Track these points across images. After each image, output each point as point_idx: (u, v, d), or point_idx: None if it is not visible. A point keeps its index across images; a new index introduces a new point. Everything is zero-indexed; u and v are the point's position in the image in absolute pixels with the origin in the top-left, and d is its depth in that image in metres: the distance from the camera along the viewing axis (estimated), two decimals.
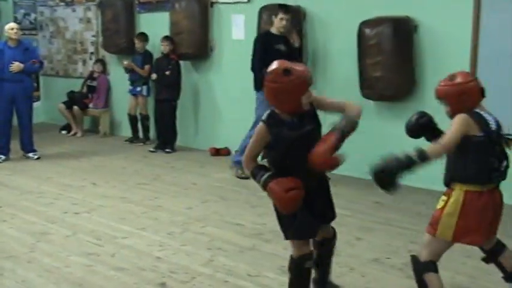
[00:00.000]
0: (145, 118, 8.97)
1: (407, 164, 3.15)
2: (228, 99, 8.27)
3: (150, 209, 5.64)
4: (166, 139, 8.47)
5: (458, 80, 3.30)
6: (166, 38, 8.29)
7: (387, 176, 3.19)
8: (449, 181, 3.31)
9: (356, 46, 6.44)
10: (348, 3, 6.84)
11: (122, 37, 9.16)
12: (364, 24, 6.39)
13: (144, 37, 8.75)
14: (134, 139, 9.09)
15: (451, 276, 4.06)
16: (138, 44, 8.73)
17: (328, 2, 7.04)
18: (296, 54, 6.42)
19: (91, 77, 9.80)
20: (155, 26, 8.85)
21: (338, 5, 6.94)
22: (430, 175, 5.67)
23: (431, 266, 3.44)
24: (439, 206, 3.34)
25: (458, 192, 3.24)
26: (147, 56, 8.71)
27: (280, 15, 6.43)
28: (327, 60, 7.09)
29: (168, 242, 4.70)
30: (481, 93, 3.30)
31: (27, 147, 7.90)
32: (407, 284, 3.92)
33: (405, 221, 5.27)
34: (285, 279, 3.97)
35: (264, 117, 3.22)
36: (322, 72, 7.13)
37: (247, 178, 6.06)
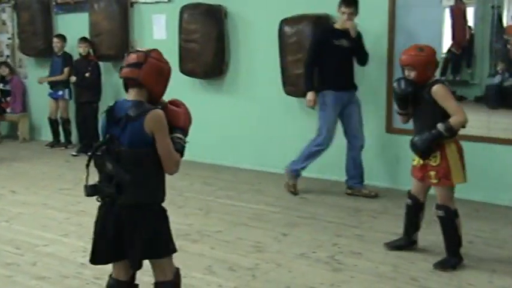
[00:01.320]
0: (66, 122, 8.74)
1: (438, 136, 3.91)
2: None
3: (73, 215, 5.49)
4: (88, 142, 8.26)
5: (427, 51, 4.01)
6: (83, 39, 8.12)
7: (422, 147, 3.97)
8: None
9: (277, 44, 6.51)
10: (268, 2, 6.89)
11: (39, 39, 8.88)
12: (285, 22, 6.46)
13: (62, 38, 8.51)
14: (55, 143, 8.83)
15: (374, 266, 4.16)
16: (56, 45, 8.48)
17: (249, 0, 7.07)
18: (357, 46, 5.82)
19: (2, 80, 9.46)
20: (74, 27, 8.62)
21: (259, 4, 6.98)
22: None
23: (457, 212, 4.09)
24: (434, 163, 4.00)
25: (450, 143, 3.97)
26: (66, 58, 8.48)
27: (342, 9, 5.75)
28: (249, 59, 7.12)
29: None
30: (437, 65, 4.10)
31: None
32: (334, 277, 4.00)
33: (330, 214, 5.36)
34: (213, 278, 3.98)
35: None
36: (245, 71, 7.16)
37: (295, 194, 5.98)
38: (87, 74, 8.02)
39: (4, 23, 9.77)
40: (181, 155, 2.84)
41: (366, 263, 4.22)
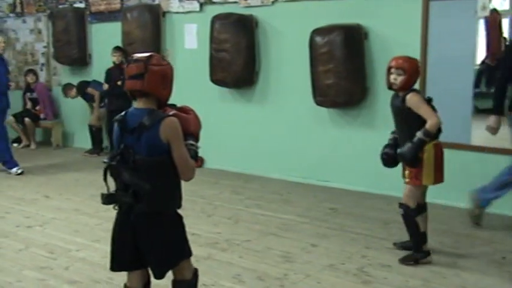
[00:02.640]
0: (98, 129, 8.93)
1: (420, 143, 4.16)
2: None
3: (104, 221, 5.54)
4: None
5: (417, 61, 4.41)
6: (117, 48, 8.23)
7: (409, 156, 4.21)
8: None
9: (308, 54, 6.52)
10: (299, 12, 6.91)
11: (73, 48, 9.05)
12: (316, 32, 6.47)
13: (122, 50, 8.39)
14: (94, 150, 8.99)
15: (405, 280, 4.12)
16: (116, 57, 8.31)
17: (280, 10, 7.10)
18: None
19: (29, 89, 9.67)
20: (107, 36, 8.77)
21: (290, 13, 7.01)
22: (383, 182, 5.80)
23: (419, 209, 4.37)
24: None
25: (429, 147, 4.21)
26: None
27: None
28: (280, 69, 7.14)
29: None
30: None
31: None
32: None
33: (359, 226, 5.33)
34: (241, 287, 3.99)
35: None
36: (275, 81, 7.18)
37: (478, 224, 5.29)
38: (119, 82, 8.12)
39: (40, 32, 9.97)
40: (195, 160, 2.87)
41: (396, 276, 4.18)
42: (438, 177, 4.36)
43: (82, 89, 8.92)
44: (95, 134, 9.01)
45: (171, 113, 2.85)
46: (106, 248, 4.75)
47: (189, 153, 2.82)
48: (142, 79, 2.74)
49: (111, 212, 5.73)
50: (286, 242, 4.89)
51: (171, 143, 2.72)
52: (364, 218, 5.58)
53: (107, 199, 2.83)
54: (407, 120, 4.28)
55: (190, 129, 2.89)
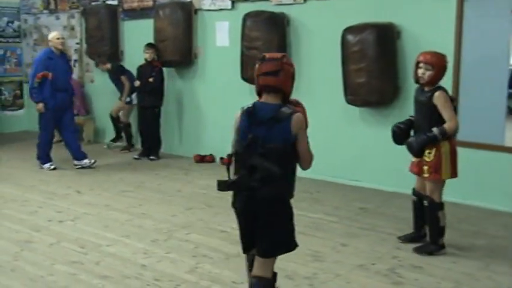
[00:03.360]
0: (127, 125, 9.03)
1: (433, 139, 4.33)
2: (212, 106, 8.26)
3: (135, 217, 5.61)
4: (150, 146, 8.45)
5: (445, 57, 4.43)
6: (149, 45, 8.28)
7: (417, 147, 4.39)
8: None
9: (340, 52, 6.47)
10: (331, 10, 6.87)
11: (106, 44, 9.14)
12: (348, 30, 6.42)
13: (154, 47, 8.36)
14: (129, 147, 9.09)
15: (436, 281, 4.06)
16: (148, 54, 8.23)
17: (311, 8, 7.07)
18: None
19: None
20: (139, 33, 8.83)
21: (321, 12, 6.97)
22: (413, 182, 5.70)
23: (443, 205, 4.52)
24: (428, 159, 4.42)
25: (445, 143, 4.37)
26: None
27: None
28: (311, 67, 7.11)
29: (153, 250, 4.67)
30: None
31: (81, 154, 7.87)
32: None
33: (390, 226, 5.28)
34: None
35: None
36: (306, 79, 7.15)
37: None
38: (150, 79, 8.18)
39: (73, 29, 10.10)
40: None
41: (427, 278, 4.13)
42: (453, 173, 4.50)
43: (116, 71, 8.92)
44: (123, 129, 9.06)
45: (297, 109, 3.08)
46: (136, 243, 4.83)
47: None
48: (277, 76, 3.01)
49: (141, 208, 5.84)
50: (316, 241, 4.87)
51: (298, 135, 2.99)
52: (395, 218, 5.53)
53: (228, 186, 3.03)
54: (428, 115, 4.39)
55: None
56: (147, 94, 8.29)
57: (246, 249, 3.19)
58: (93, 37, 9.32)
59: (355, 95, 6.45)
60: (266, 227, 3.03)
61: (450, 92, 5.92)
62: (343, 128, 6.87)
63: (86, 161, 7.80)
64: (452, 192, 5.99)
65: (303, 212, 5.64)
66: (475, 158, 5.87)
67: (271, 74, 3.02)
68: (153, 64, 8.25)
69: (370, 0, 6.52)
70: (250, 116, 3.04)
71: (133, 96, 8.78)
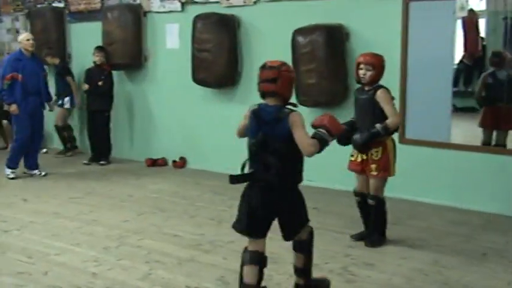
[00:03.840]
0: (68, 128, 8.92)
1: (376, 135, 4.50)
2: (163, 109, 8.18)
3: (85, 224, 5.49)
4: (100, 151, 8.30)
5: (383, 57, 4.65)
6: (99, 48, 8.14)
7: (362, 143, 4.53)
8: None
9: (291, 54, 6.50)
10: (281, 12, 6.89)
11: (52, 47, 8.92)
12: (298, 32, 6.46)
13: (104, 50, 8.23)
14: (66, 150, 8.91)
15: (387, 278, 4.12)
16: (98, 57, 8.11)
17: (261, 10, 7.08)
18: None
19: None
20: (87, 36, 8.67)
21: (272, 14, 6.98)
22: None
23: (385, 200, 4.77)
24: (376, 158, 4.60)
25: (389, 141, 4.64)
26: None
27: None
28: None
29: (104, 257, 4.58)
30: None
31: (35, 163, 7.60)
32: None
33: (340, 225, 5.34)
34: None
35: None
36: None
37: None
38: (100, 83, 8.05)
39: (17, 32, 9.82)
40: (320, 143, 3.43)
41: (379, 275, 4.18)
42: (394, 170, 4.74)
43: (63, 68, 8.75)
44: (62, 132, 8.91)
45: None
46: (86, 251, 4.72)
47: (315, 135, 3.45)
48: (276, 83, 3.40)
49: (91, 215, 5.72)
50: (270, 243, 4.80)
51: (292, 128, 3.34)
52: (345, 216, 5.57)
53: (247, 177, 3.47)
54: (370, 112, 4.59)
55: (324, 122, 3.55)
56: (97, 98, 8.15)
57: (252, 235, 3.55)
58: (39, 40, 9.06)
59: (306, 95, 6.48)
60: (286, 215, 3.51)
61: (397, 91, 6.07)
62: None
63: (36, 172, 7.56)
64: (401, 189, 6.12)
65: None
66: (422, 155, 6.02)
67: (270, 81, 3.41)
68: (103, 67, 8.12)
69: (319, 2, 6.57)
70: (256, 116, 3.46)
71: (66, 99, 8.66)
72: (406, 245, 4.77)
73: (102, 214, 5.82)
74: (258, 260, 3.53)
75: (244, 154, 7.74)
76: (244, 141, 7.35)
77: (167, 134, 8.12)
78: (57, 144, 9.28)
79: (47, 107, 7.71)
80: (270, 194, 3.43)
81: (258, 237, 3.55)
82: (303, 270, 3.71)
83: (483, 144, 5.92)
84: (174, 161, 8.00)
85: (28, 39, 7.37)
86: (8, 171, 7.39)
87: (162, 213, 5.82)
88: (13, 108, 7.25)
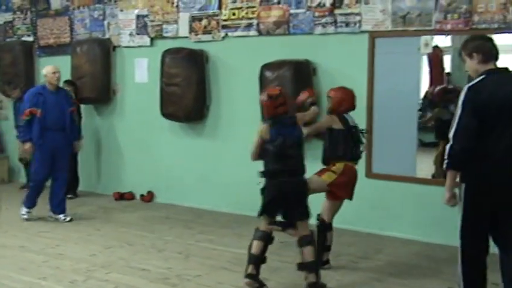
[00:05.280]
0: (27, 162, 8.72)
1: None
2: (131, 143, 8.18)
3: (52, 258, 5.42)
4: (68, 185, 8.21)
5: (345, 90, 5.08)
6: (69, 82, 8.09)
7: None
8: (328, 159, 4.99)
9: (258, 88, 6.59)
10: (249, 47, 7.02)
11: (21, 81, 8.89)
12: (265, 67, 6.57)
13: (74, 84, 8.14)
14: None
15: None
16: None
17: (230, 45, 7.19)
18: None
19: None
20: None
21: (240, 49, 7.10)
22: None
23: (331, 226, 5.05)
24: (329, 180, 4.85)
25: (340, 164, 4.88)
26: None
27: None
28: (230, 103, 7.21)
29: None
30: (354, 106, 5.07)
31: (58, 207, 6.98)
32: None
33: None
34: None
35: None
36: (226, 115, 7.23)
37: None
38: None
39: None
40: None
41: None
42: (342, 192, 4.92)
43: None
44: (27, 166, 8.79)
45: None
46: (53, 285, 4.67)
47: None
48: (285, 105, 4.51)
49: (58, 249, 5.66)
50: (238, 276, 4.86)
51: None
52: None
53: (271, 173, 4.45)
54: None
55: (341, 109, 4.92)
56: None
57: (270, 215, 4.55)
58: (7, 74, 9.06)
59: None
60: (298, 201, 4.44)
61: (364, 126, 6.19)
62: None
63: (62, 216, 6.96)
64: (368, 223, 6.21)
65: (225, 247, 5.64)
66: (388, 189, 6.11)
67: (281, 105, 4.46)
68: (72, 101, 8.07)
69: (286, 38, 6.72)
70: (276, 123, 4.42)
71: None
72: (375, 280, 4.79)
73: (69, 248, 5.76)
74: (266, 238, 4.53)
75: (213, 187, 7.73)
76: (212, 174, 7.34)
77: (135, 168, 8.11)
78: (22, 177, 9.18)
79: (75, 147, 7.15)
80: (287, 187, 4.39)
81: (274, 217, 4.54)
82: (314, 264, 4.41)
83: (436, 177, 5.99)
84: (142, 195, 7.98)
85: (54, 72, 6.74)
86: (24, 210, 7.01)
87: (129, 246, 5.79)
88: (27, 146, 6.70)
